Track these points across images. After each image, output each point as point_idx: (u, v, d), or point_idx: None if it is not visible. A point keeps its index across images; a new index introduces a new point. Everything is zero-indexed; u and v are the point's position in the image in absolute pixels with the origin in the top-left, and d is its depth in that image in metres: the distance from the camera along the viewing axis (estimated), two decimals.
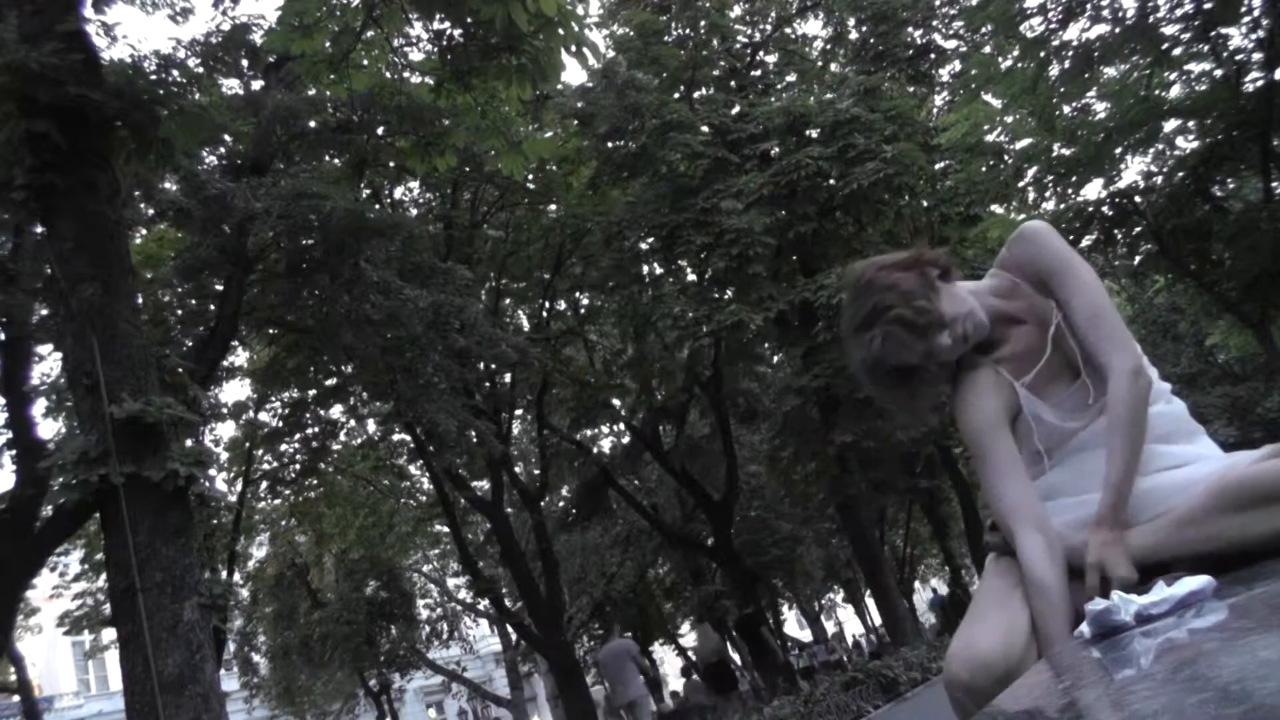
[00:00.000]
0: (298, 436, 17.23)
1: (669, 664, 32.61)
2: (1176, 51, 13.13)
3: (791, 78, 22.27)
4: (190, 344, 12.79)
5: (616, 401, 21.17)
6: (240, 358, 16.90)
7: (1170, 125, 14.58)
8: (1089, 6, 12.25)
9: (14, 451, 10.10)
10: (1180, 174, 14.46)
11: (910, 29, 20.84)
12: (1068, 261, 1.76)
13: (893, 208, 18.33)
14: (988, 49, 15.30)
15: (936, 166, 18.42)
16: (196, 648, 6.74)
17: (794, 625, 37.63)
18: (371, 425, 19.18)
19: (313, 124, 13.05)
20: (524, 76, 7.56)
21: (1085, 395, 1.73)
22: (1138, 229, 15.36)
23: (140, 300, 9.46)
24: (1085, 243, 15.63)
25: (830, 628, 36.39)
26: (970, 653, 1.59)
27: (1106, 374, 1.66)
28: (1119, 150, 14.29)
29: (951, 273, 1.82)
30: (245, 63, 13.14)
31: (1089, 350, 1.70)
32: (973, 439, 1.78)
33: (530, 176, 16.53)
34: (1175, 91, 14.32)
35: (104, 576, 11.43)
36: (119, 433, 6.89)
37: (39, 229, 8.63)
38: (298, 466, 17.59)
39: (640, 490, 23.44)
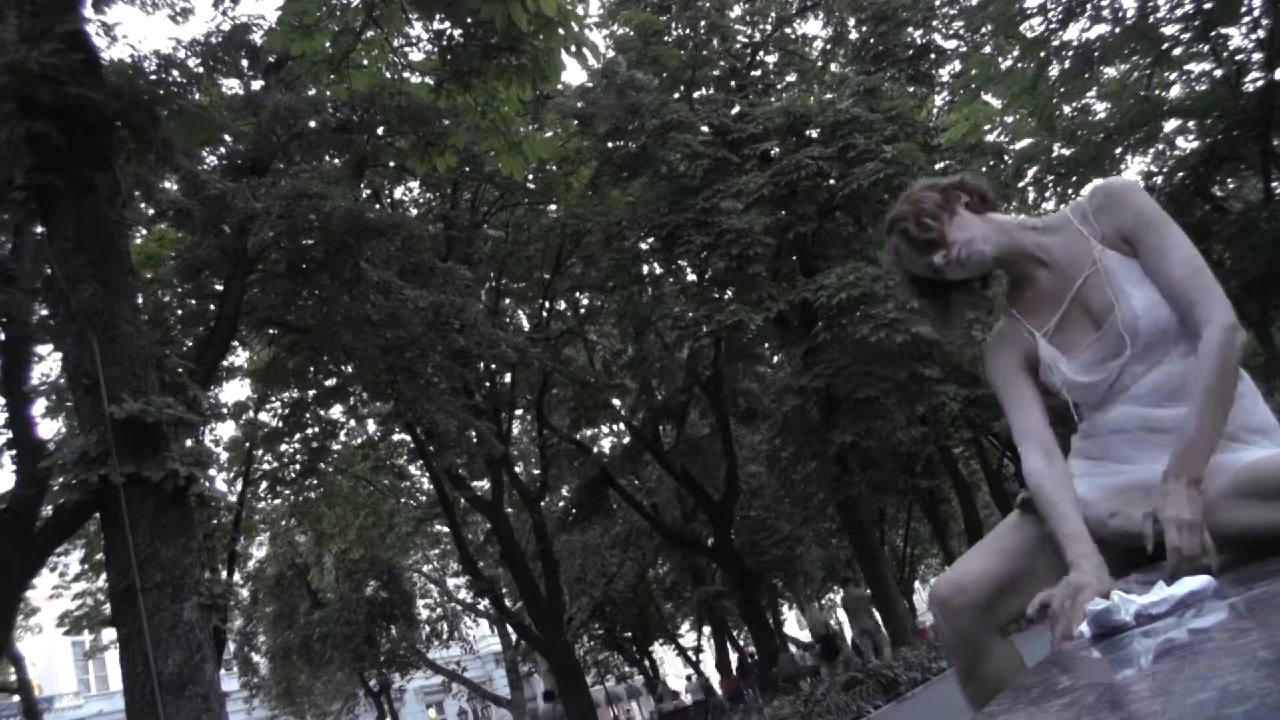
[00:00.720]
0: (298, 436, 17.23)
1: (669, 664, 32.62)
2: (1176, 52, 13.13)
3: (791, 78, 22.27)
4: (190, 344, 12.79)
5: (616, 401, 21.18)
6: (240, 358, 16.90)
7: (1170, 125, 14.59)
8: (1089, 6, 12.25)
9: (14, 451, 10.09)
10: (1180, 174, 14.47)
11: (910, 29, 20.84)
12: (1157, 218, 1.72)
13: (893, 207, 18.31)
14: (988, 49, 15.31)
15: (936, 166, 18.40)
16: (196, 648, 6.74)
17: (794, 625, 37.65)
18: (371, 425, 19.19)
19: (313, 124, 13.05)
20: (524, 76, 7.56)
21: (1106, 350, 1.72)
22: None
23: (140, 300, 9.47)
24: None
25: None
26: (953, 576, 1.76)
27: (1202, 327, 1.61)
28: (1119, 150, 14.30)
29: (988, 201, 1.88)
30: (245, 63, 13.14)
31: (1186, 305, 1.64)
32: (994, 384, 1.90)
33: (530, 176, 16.53)
34: (1175, 91, 14.33)
35: (104, 576, 11.43)
36: (119, 433, 6.89)
37: (39, 229, 8.63)
38: (298, 466, 17.59)
39: (640, 490, 23.44)
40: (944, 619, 1.75)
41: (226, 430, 17.82)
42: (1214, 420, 1.54)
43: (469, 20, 7.47)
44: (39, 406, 12.09)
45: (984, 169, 15.99)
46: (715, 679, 27.42)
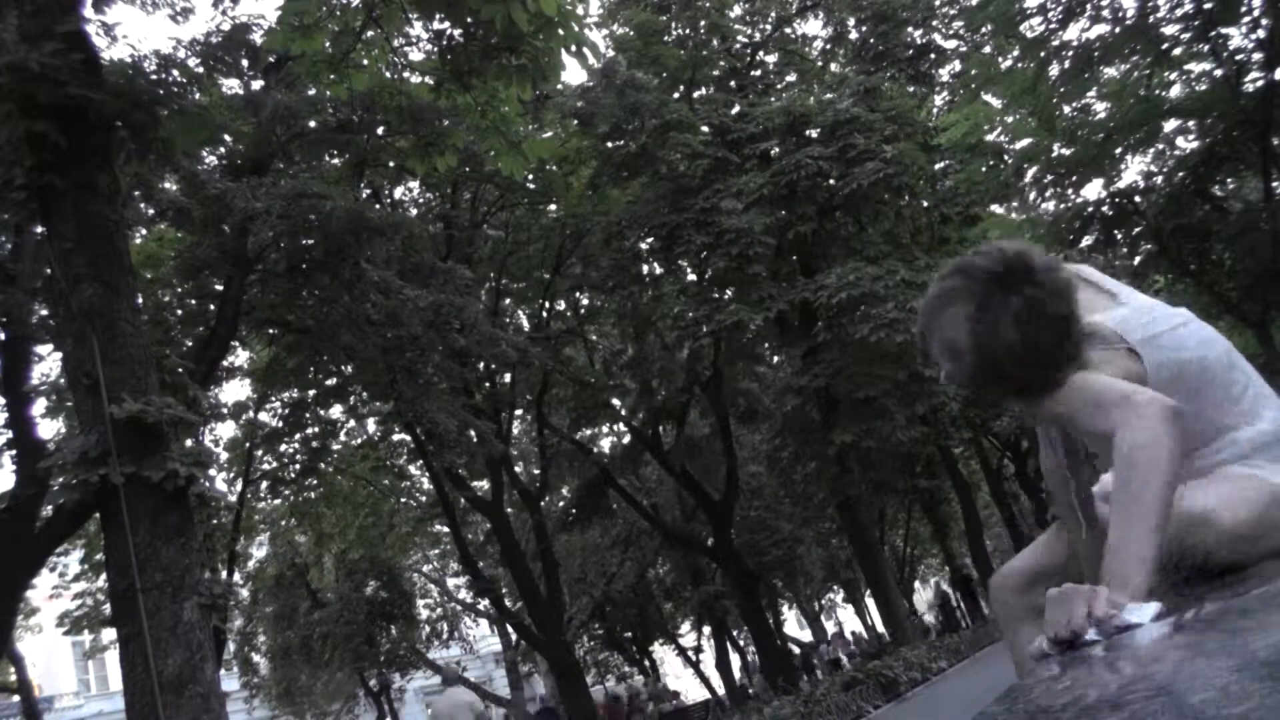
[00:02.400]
0: (298, 436, 17.22)
1: (669, 663, 32.62)
2: (1176, 51, 13.12)
3: (791, 78, 22.28)
4: (190, 344, 12.79)
5: (616, 401, 21.17)
6: (240, 358, 16.90)
7: (1170, 125, 14.58)
8: (1089, 6, 12.25)
9: (14, 451, 10.09)
10: (1180, 174, 14.46)
11: (910, 29, 20.86)
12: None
13: (893, 208, 18.34)
14: (988, 49, 15.31)
15: (936, 166, 18.42)
16: (196, 648, 6.74)
17: (794, 625, 37.65)
18: (371, 425, 19.19)
19: (313, 124, 13.05)
20: (524, 76, 7.57)
21: None
22: (1138, 229, 15.36)
23: (140, 300, 9.46)
24: (1085, 242, 15.66)
25: (830, 628, 36.38)
26: (1002, 568, 2.10)
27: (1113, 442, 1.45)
28: (1119, 150, 14.29)
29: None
30: (245, 63, 13.13)
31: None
32: None
33: (530, 176, 16.53)
34: (1175, 91, 14.32)
35: (104, 576, 11.43)
36: (119, 433, 6.89)
37: (39, 229, 8.63)
38: (298, 466, 17.58)
39: (640, 490, 23.43)
40: (991, 602, 2.12)
41: (226, 430, 17.85)
42: (1135, 529, 1.31)
43: (469, 20, 7.47)
44: (39, 406, 12.12)
45: (984, 169, 16.01)
46: (715, 678, 27.42)
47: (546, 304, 19.63)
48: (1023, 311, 1.49)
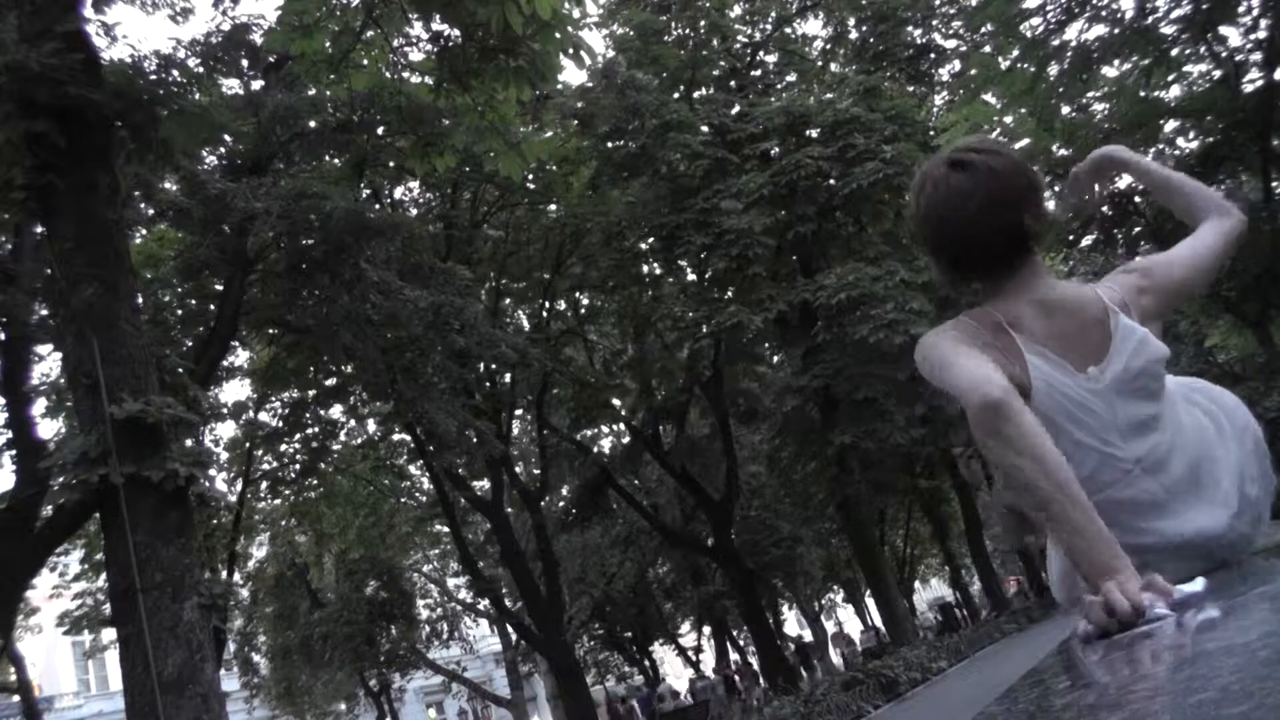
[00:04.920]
0: (298, 436, 17.22)
1: (669, 664, 32.64)
2: (1175, 52, 13.14)
3: (791, 78, 22.29)
4: (190, 344, 12.79)
5: (616, 401, 21.17)
6: (240, 358, 16.90)
7: (1170, 125, 14.60)
8: (1088, 7, 12.26)
9: (14, 451, 10.10)
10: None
11: (910, 29, 20.87)
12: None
13: (892, 208, 18.34)
14: (988, 49, 15.31)
15: None
16: (196, 648, 6.74)
17: (794, 625, 37.66)
18: (371, 425, 19.19)
19: (313, 124, 13.05)
20: (521, 78, 7.56)
21: None
22: (1138, 229, 15.38)
23: (140, 300, 9.46)
24: (1085, 242, 15.66)
25: (830, 627, 36.37)
26: None
27: None
28: None
29: None
30: (245, 63, 13.13)
31: None
32: None
33: (530, 176, 16.52)
34: (1174, 92, 14.34)
35: (104, 576, 11.43)
36: (119, 433, 6.89)
37: (39, 229, 8.63)
38: (298, 466, 17.58)
39: (640, 490, 23.43)
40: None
41: (226, 430, 17.84)
42: (1074, 524, 1.25)
43: (467, 21, 7.47)
44: (39, 406, 12.12)
45: None
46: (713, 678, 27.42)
47: (546, 304, 19.62)
48: (961, 188, 1.58)
